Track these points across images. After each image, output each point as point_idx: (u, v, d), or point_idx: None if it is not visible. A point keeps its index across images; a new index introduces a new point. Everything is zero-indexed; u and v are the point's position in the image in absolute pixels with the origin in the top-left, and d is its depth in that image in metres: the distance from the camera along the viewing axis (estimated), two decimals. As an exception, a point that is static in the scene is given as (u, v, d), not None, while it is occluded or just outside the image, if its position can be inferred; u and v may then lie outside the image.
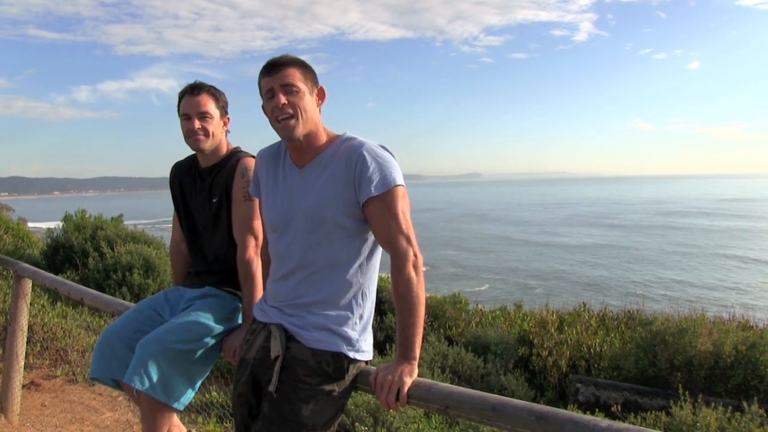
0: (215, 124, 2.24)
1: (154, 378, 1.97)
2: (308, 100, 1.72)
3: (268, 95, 1.71)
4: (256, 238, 2.15)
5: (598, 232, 52.51)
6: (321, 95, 1.79)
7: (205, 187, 2.30)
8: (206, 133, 2.22)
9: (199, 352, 2.09)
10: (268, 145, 1.93)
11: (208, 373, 2.22)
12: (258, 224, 2.14)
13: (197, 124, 2.20)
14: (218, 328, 2.13)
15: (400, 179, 1.67)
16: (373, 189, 1.64)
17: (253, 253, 2.14)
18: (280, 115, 1.68)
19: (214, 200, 2.27)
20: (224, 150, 2.32)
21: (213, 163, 2.30)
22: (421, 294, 1.65)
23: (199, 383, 2.16)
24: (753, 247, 41.14)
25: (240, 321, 2.22)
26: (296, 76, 1.71)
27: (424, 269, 1.70)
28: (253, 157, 2.24)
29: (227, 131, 2.34)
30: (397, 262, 1.65)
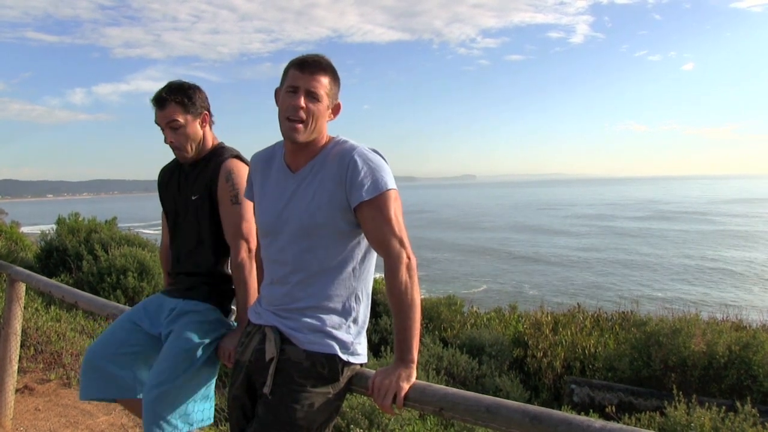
0: (189, 130, 2.19)
1: (171, 420, 1.99)
2: (323, 112, 1.71)
3: (289, 89, 1.70)
4: (247, 242, 2.13)
5: (590, 239, 51.84)
6: (336, 110, 1.78)
7: (188, 184, 2.26)
8: (181, 144, 2.19)
9: (198, 370, 2.09)
10: (263, 148, 1.93)
11: (216, 376, 2.22)
12: (247, 227, 2.12)
13: (171, 137, 2.18)
14: (206, 341, 2.11)
15: (391, 183, 1.67)
16: (364, 193, 1.64)
17: (245, 256, 2.12)
18: (292, 116, 1.68)
19: (194, 197, 2.22)
20: (209, 145, 2.27)
21: (196, 160, 2.26)
22: (416, 296, 1.66)
23: (212, 390, 2.18)
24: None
25: (223, 329, 2.19)
26: (324, 86, 1.70)
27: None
28: (237, 156, 2.22)
29: (212, 123, 2.28)
30: (391, 264, 1.66)
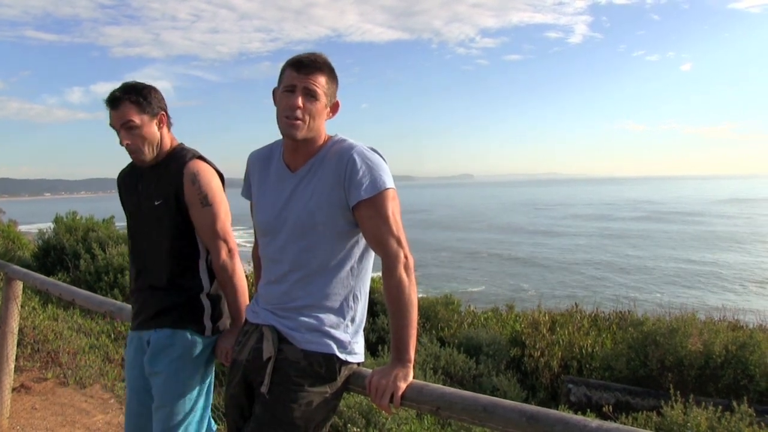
0: (145, 132, 2.05)
1: None
2: (321, 110, 1.70)
3: (287, 89, 1.69)
4: (225, 242, 2.06)
5: (586, 240, 51.31)
6: (334, 109, 1.77)
7: (149, 189, 2.11)
8: (137, 147, 2.07)
9: (195, 405, 2.08)
10: (259, 147, 1.93)
11: (211, 400, 2.20)
12: (222, 227, 2.06)
13: (126, 138, 2.05)
14: (196, 377, 2.07)
15: (390, 182, 1.67)
16: (363, 192, 1.64)
17: (225, 256, 2.05)
18: (290, 115, 1.67)
19: (157, 203, 2.07)
20: (167, 147, 2.13)
21: (155, 162, 2.13)
22: (413, 296, 1.66)
23: (211, 399, 2.18)
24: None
25: (207, 351, 2.11)
26: (322, 84, 1.69)
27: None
28: (199, 158, 2.11)
29: (170, 124, 2.16)
30: (388, 264, 1.66)
